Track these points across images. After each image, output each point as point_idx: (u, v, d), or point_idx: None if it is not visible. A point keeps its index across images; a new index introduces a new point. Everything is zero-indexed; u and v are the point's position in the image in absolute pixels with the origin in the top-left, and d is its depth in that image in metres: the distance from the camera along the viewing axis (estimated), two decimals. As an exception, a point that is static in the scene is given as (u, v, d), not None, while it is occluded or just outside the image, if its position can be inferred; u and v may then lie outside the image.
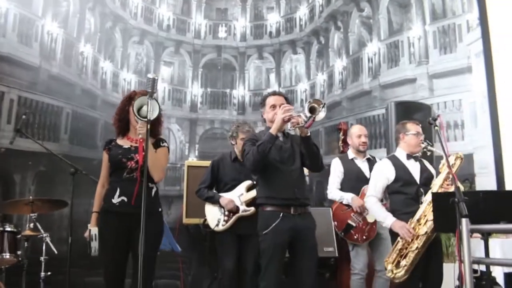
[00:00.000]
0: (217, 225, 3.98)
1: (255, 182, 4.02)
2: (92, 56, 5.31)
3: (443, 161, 3.52)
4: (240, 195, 4.02)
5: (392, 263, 3.40)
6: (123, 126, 3.04)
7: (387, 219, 3.46)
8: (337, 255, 4.42)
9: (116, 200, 2.91)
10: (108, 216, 2.94)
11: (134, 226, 2.81)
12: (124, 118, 3.01)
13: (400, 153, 3.58)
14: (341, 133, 5.01)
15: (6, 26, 5.05)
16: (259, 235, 3.26)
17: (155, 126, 2.81)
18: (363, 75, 5.78)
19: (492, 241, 4.37)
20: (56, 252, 3.82)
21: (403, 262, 3.35)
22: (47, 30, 5.21)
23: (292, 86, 5.61)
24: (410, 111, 5.04)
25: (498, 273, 4.35)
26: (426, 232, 3.24)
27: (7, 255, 3.65)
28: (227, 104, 5.48)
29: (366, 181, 4.32)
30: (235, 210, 3.99)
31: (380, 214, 3.53)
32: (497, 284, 4.43)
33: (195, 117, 5.34)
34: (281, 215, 3.16)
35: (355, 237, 4.26)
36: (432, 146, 3.62)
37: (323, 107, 3.00)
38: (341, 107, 5.52)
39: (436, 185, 3.37)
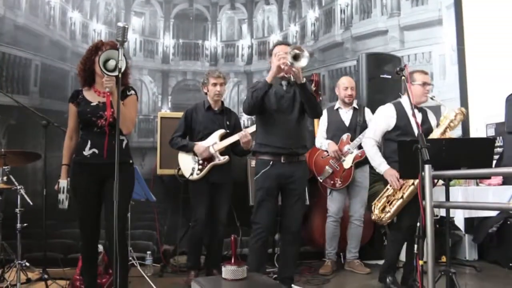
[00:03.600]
0: (192, 174, 4.07)
1: (228, 131, 4.11)
2: (60, 6, 5.15)
3: (444, 113, 3.63)
4: (213, 144, 4.08)
5: (379, 207, 3.58)
6: (87, 76, 3.03)
7: (381, 166, 3.60)
8: (308, 203, 4.60)
9: (87, 152, 2.97)
10: (80, 168, 3.00)
11: (106, 177, 2.87)
12: (89, 68, 3.00)
13: (406, 101, 3.62)
14: (313, 85, 5.09)
15: (-35, -29, 4.84)
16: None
17: (122, 77, 2.79)
18: (335, 26, 5.79)
19: (455, 189, 4.62)
20: (31, 203, 3.84)
21: (388, 208, 3.54)
22: (9, -23, 5.00)
23: (265, 37, 5.58)
24: (381, 62, 5.14)
25: (459, 219, 4.62)
26: (413, 183, 3.38)
27: (-19, 208, 3.66)
28: (200, 55, 5.42)
29: (345, 130, 4.51)
30: (210, 157, 4.07)
31: (375, 160, 3.65)
32: (456, 227, 4.72)
33: (167, 69, 5.29)
34: (270, 163, 3.37)
35: (331, 182, 4.47)
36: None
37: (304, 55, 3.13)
38: (313, 59, 5.54)
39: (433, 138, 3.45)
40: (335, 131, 4.59)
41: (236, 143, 4.07)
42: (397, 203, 3.51)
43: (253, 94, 3.29)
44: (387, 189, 3.60)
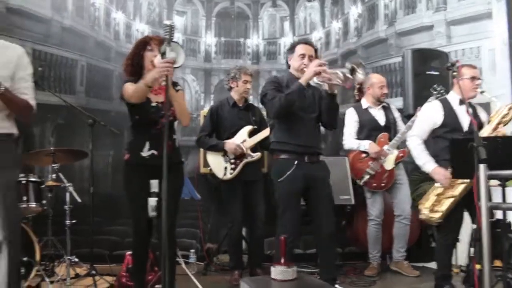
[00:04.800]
0: (225, 174, 4.02)
1: (255, 127, 4.05)
2: (104, 7, 5.25)
3: (496, 109, 3.48)
4: (243, 141, 4.03)
5: (428, 207, 3.43)
6: (135, 71, 3.01)
7: (426, 165, 3.44)
8: (353, 202, 4.50)
9: (146, 153, 2.94)
10: (137, 169, 2.98)
11: (161, 176, 2.86)
12: (138, 63, 2.98)
13: (453, 97, 3.49)
14: (356, 82, 4.97)
15: (17, -22, 5.00)
16: (274, 183, 3.32)
17: None
18: (378, 22, 5.65)
19: (511, 189, 4.41)
20: (80, 201, 3.92)
21: (437, 208, 3.38)
22: (57, -19, 5.15)
23: (307, 34, 5.51)
24: (427, 59, 4.97)
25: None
26: (462, 181, 3.25)
27: (32, 204, 3.77)
28: (241, 53, 5.42)
29: (381, 129, 4.35)
30: (241, 155, 4.01)
31: (421, 158, 3.50)
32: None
33: (210, 67, 5.31)
34: (295, 163, 3.22)
35: (374, 184, 4.32)
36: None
37: (361, 69, 3.01)
38: (356, 56, 5.44)
39: (483, 134, 3.29)
40: (370, 131, 4.42)
41: (265, 137, 4.02)
42: (447, 202, 3.37)
43: (287, 97, 3.13)
44: (435, 187, 3.47)
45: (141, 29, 5.29)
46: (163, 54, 2.53)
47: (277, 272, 2.31)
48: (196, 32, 5.37)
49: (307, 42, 3.42)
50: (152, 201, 2.80)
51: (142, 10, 5.32)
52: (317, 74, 3.07)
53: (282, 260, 2.34)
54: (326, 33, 5.56)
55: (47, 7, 5.08)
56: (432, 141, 3.60)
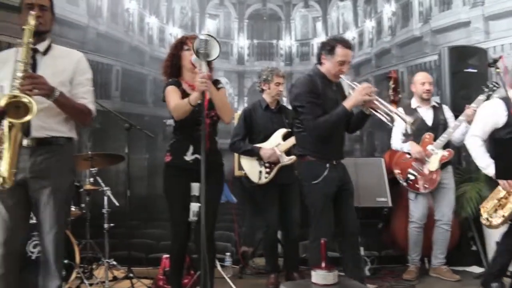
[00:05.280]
0: (260, 178, 3.98)
1: (290, 130, 4.01)
2: (138, 12, 5.32)
3: None
4: (277, 145, 3.99)
5: (489, 211, 3.31)
6: (174, 71, 3.02)
7: (489, 168, 3.31)
8: (390, 204, 4.41)
9: (189, 157, 2.93)
10: (179, 172, 2.97)
11: (206, 181, 2.85)
12: (176, 63, 2.99)
13: None
14: (391, 82, 4.88)
15: (53, -13, 5.11)
16: (305, 185, 3.25)
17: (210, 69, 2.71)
18: (413, 20, 5.53)
19: None
20: (117, 204, 3.97)
21: (500, 212, 3.24)
22: (92, -12, 5.26)
23: (340, 34, 5.44)
24: (464, 56, 4.83)
25: None
26: None
27: (72, 208, 3.83)
28: (274, 55, 5.39)
29: (428, 129, 4.25)
30: (277, 160, 3.98)
31: (483, 160, 3.37)
32: None
33: (243, 70, 5.31)
34: (327, 165, 3.15)
35: (417, 185, 4.22)
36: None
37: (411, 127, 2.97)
38: (391, 55, 5.34)
39: None
40: (416, 131, 4.34)
41: None
42: (511, 206, 3.23)
43: (334, 125, 3.06)
44: (498, 191, 3.33)
45: (174, 33, 5.34)
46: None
47: (318, 276, 2.27)
48: (228, 34, 5.38)
49: (349, 46, 3.17)
50: (195, 206, 2.78)
51: (175, 14, 5.37)
52: (366, 103, 3.00)
53: (323, 264, 2.29)
54: (359, 33, 5.48)
55: (83, 14, 5.18)
56: (490, 142, 3.46)
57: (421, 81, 4.36)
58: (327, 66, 3.17)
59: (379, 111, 3.01)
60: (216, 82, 2.98)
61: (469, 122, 3.92)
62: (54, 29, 4.98)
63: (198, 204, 2.75)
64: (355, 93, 3.02)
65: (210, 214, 2.46)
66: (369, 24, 5.56)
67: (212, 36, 2.54)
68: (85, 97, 2.50)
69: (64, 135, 2.45)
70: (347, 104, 3.02)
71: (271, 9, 5.48)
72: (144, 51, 5.32)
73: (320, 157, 3.18)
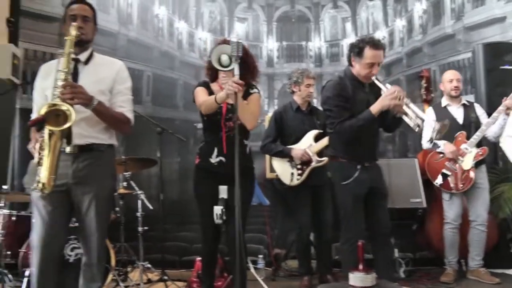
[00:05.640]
0: (291, 180, 3.97)
1: (322, 131, 3.98)
2: (167, 18, 5.39)
3: None
4: (309, 146, 3.96)
5: None
6: (213, 75, 3.04)
7: None
8: (425, 205, 4.33)
9: (214, 160, 2.95)
10: (206, 175, 2.99)
11: (229, 182, 2.87)
12: (213, 66, 3.00)
13: None
14: (423, 81, 4.81)
15: (85, -5, 5.22)
16: (336, 186, 3.24)
17: (244, 72, 2.69)
18: (445, 17, 5.43)
19: None
20: (151, 208, 4.01)
21: None
22: (122, -5, 5.36)
23: (370, 34, 5.38)
24: (500, 53, 4.71)
25: None
26: None
27: (107, 212, 3.88)
28: (304, 57, 5.37)
29: (460, 128, 4.17)
30: (308, 160, 3.95)
31: None
32: None
33: (272, 72, 5.31)
34: (358, 166, 3.12)
35: (451, 185, 4.14)
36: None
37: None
38: (422, 54, 5.25)
39: None
40: (448, 131, 4.24)
41: None
42: None
43: (360, 128, 3.03)
44: None
45: (204, 37, 5.38)
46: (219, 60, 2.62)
47: (356, 278, 2.24)
48: (257, 37, 5.39)
49: (379, 47, 3.08)
50: (218, 209, 2.80)
51: (204, 18, 5.42)
52: (394, 107, 2.97)
53: (360, 266, 2.26)
54: (389, 32, 5.41)
55: (114, 22, 5.29)
56: None
57: (448, 78, 4.28)
58: (357, 68, 3.13)
59: (408, 116, 2.97)
60: (249, 87, 2.97)
61: (507, 114, 3.83)
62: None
63: (221, 207, 2.79)
64: (383, 97, 2.99)
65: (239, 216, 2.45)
66: (400, 23, 5.48)
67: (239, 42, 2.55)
68: (124, 105, 2.54)
69: (105, 142, 2.50)
70: (374, 109, 2.99)
71: (299, 10, 5.46)
72: (174, 56, 5.38)
73: (350, 159, 3.15)
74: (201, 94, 2.94)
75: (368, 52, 3.05)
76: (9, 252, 3.67)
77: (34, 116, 2.50)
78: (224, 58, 2.68)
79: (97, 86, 2.42)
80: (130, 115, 2.56)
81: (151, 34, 5.37)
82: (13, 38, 5.01)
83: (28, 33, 5.04)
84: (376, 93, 3.16)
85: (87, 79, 2.40)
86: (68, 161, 2.38)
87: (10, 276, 3.55)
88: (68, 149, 2.38)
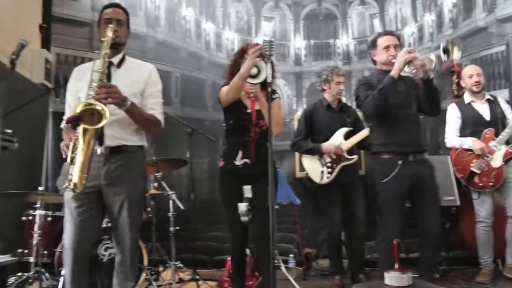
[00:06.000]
0: (322, 178, 3.95)
1: (351, 129, 3.95)
2: (194, 19, 5.43)
3: None
4: (339, 144, 3.93)
5: None
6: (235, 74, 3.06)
7: None
8: (458, 203, 4.24)
9: (239, 162, 2.99)
10: (231, 177, 3.03)
11: (256, 184, 2.89)
12: (237, 71, 3.01)
13: None
14: (454, 76, 4.70)
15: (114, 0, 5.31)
16: (376, 185, 3.20)
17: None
18: (476, 10, 5.29)
19: None
20: (182, 208, 4.05)
21: None
22: (150, -2, 5.42)
23: (398, 30, 5.29)
24: (535, 45, 4.58)
25: None
26: None
27: (139, 212, 3.93)
28: (332, 54, 5.33)
29: (486, 124, 4.06)
30: (338, 159, 3.92)
31: None
32: None
33: (300, 71, 5.29)
34: (399, 162, 3.07)
35: (480, 184, 4.04)
36: None
37: (456, 47, 2.89)
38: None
39: None
40: (474, 127, 4.12)
41: (362, 138, 3.92)
42: None
43: (380, 92, 3.01)
44: None
45: (231, 37, 5.40)
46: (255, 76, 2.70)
47: (392, 278, 2.20)
48: (284, 36, 5.37)
49: (388, 32, 3.32)
50: (243, 206, 2.83)
51: (231, 19, 5.43)
52: (408, 62, 2.95)
53: (396, 266, 2.22)
54: (418, 27, 5.31)
55: (142, 24, 5.36)
56: None
57: (468, 74, 4.18)
58: (378, 59, 3.23)
59: (428, 66, 2.95)
60: (272, 92, 2.98)
61: None
62: (116, 40, 5.22)
63: (246, 204, 2.81)
64: (397, 59, 3.02)
65: (264, 216, 2.46)
66: (429, 18, 5.37)
67: (269, 62, 2.56)
68: (154, 108, 2.58)
69: (136, 143, 2.53)
70: (392, 71, 3.02)
71: (326, 8, 5.42)
72: (201, 57, 5.42)
73: (391, 152, 3.13)
74: (226, 87, 2.98)
75: (380, 40, 3.23)
76: (45, 252, 3.75)
77: (65, 118, 2.56)
78: (254, 71, 2.71)
79: (130, 88, 2.46)
80: (160, 117, 2.60)
81: (178, 36, 5.42)
82: (46, 44, 5.14)
83: (59, 38, 5.15)
84: (412, 83, 3.20)
85: (120, 82, 2.43)
86: (100, 162, 2.43)
87: (47, 275, 3.63)
88: (99, 151, 2.42)
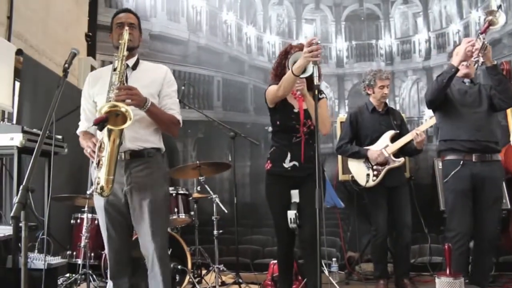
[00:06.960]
0: (367, 181, 3.89)
1: (397, 132, 3.89)
2: (236, 23, 5.47)
3: None
4: (385, 147, 3.88)
5: None
6: (279, 80, 3.05)
7: None
8: (509, 206, 4.10)
9: (287, 164, 2.98)
10: (279, 179, 3.02)
11: (303, 188, 2.88)
12: (281, 73, 3.00)
13: None
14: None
15: (156, 6, 5.46)
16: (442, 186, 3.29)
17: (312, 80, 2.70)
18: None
19: None
20: (226, 211, 4.07)
21: None
22: (192, 4, 5.49)
23: (443, 28, 5.15)
24: None
25: None
26: None
27: (182, 215, 4.01)
28: (374, 55, 5.24)
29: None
30: (385, 161, 3.87)
31: None
32: None
33: (342, 73, 5.23)
34: (461, 162, 3.12)
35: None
36: None
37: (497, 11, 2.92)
38: (502, 45, 4.94)
39: None
40: None
41: (408, 142, 3.85)
42: None
43: (438, 78, 3.14)
44: None
45: (272, 41, 5.41)
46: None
47: (442, 283, 2.14)
48: (326, 38, 5.33)
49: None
50: (291, 214, 2.83)
51: (272, 22, 5.44)
52: (469, 53, 3.02)
53: (448, 270, 2.16)
54: (464, 25, 5.15)
55: (184, 30, 5.45)
56: None
57: None
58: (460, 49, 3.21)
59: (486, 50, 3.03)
60: (319, 92, 2.96)
61: None
62: (157, 46, 5.34)
63: (294, 211, 2.84)
64: (459, 50, 3.12)
65: (312, 218, 2.43)
66: (475, 15, 5.19)
67: (316, 66, 2.54)
68: (173, 108, 2.59)
69: (154, 145, 2.54)
70: (454, 61, 3.12)
71: (368, 8, 5.34)
72: (243, 61, 5.45)
73: (456, 153, 3.17)
74: (274, 86, 2.95)
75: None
76: (93, 254, 3.86)
77: (82, 124, 2.61)
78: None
79: (147, 89, 2.47)
80: (179, 117, 2.61)
81: (220, 40, 5.47)
82: (91, 51, 5.30)
83: (103, 45, 5.30)
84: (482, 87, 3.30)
85: (137, 83, 2.44)
86: (121, 168, 2.43)
87: (94, 276, 3.73)
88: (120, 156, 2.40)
